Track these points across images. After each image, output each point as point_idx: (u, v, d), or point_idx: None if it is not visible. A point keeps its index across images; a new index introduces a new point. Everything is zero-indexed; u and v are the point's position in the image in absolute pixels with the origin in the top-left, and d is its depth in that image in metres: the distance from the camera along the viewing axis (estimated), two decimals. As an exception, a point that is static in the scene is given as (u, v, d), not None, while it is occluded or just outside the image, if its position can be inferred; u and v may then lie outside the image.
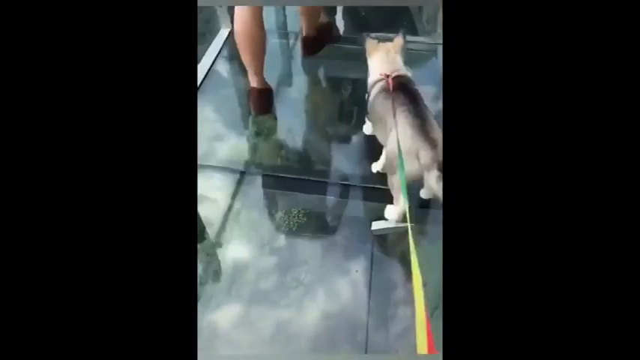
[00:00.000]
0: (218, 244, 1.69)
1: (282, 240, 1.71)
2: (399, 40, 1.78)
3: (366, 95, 1.76)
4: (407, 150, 1.48)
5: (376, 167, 1.88)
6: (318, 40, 2.43)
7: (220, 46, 2.54)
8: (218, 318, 1.49)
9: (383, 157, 1.78)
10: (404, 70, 1.71)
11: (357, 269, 1.62)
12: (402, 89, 1.61)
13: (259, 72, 2.07)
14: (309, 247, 1.68)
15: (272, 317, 1.49)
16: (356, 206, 1.83)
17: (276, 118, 2.17)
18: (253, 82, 2.11)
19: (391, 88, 1.61)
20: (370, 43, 1.77)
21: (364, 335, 1.46)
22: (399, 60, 1.75)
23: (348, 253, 1.66)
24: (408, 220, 1.21)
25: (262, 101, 2.14)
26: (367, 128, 1.98)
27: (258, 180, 1.92)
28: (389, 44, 1.77)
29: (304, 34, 2.41)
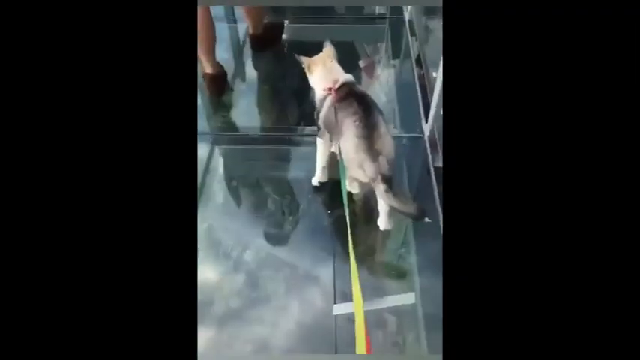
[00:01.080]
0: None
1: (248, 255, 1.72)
2: (329, 48, 1.77)
3: (315, 113, 1.75)
4: (350, 160, 1.52)
5: (315, 180, 1.87)
6: (264, 40, 2.44)
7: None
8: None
9: (318, 171, 1.82)
10: (346, 76, 1.71)
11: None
12: (353, 97, 1.61)
13: (211, 57, 2.16)
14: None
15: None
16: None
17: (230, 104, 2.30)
18: (207, 68, 2.19)
19: (336, 99, 1.62)
20: (306, 60, 1.76)
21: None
22: (337, 67, 1.74)
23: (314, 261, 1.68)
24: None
25: (217, 85, 2.24)
26: (320, 143, 1.83)
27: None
28: (323, 55, 1.77)
29: (250, 32, 2.43)
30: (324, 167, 1.82)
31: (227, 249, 1.72)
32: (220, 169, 2.03)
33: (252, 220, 1.84)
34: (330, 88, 1.67)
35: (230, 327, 1.52)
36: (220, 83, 2.25)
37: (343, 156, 1.57)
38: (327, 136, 1.73)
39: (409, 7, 2.44)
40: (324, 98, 1.69)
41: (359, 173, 1.56)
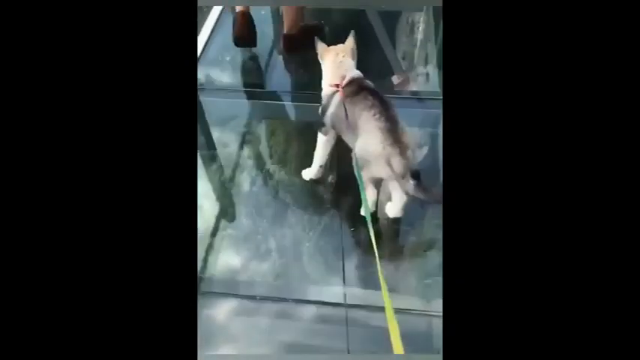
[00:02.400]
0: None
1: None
2: (349, 41, 1.70)
3: (320, 108, 1.69)
4: (377, 155, 1.45)
5: (308, 175, 1.81)
6: (298, 41, 2.36)
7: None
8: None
9: (314, 168, 1.77)
10: (355, 72, 1.65)
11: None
12: (366, 90, 1.55)
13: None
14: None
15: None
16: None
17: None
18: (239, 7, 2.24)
19: (346, 95, 1.56)
20: (321, 47, 1.71)
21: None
22: (349, 62, 1.67)
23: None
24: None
25: (245, 27, 2.26)
26: (321, 140, 1.76)
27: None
28: (339, 46, 1.70)
29: (284, 32, 2.36)
30: (321, 166, 1.77)
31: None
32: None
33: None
34: (337, 85, 1.61)
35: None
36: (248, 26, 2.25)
37: (363, 154, 1.49)
38: (333, 133, 1.68)
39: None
40: (332, 94, 1.64)
41: (384, 171, 1.48)
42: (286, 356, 1.44)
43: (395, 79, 2.33)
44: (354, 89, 1.57)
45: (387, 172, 1.47)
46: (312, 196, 1.82)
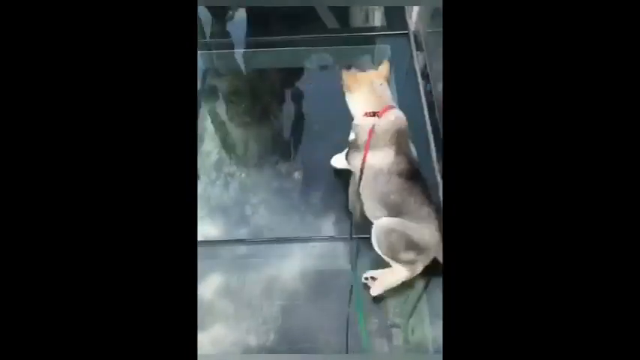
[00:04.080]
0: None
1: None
2: (385, 66, 1.50)
3: (351, 142, 1.52)
4: (436, 242, 1.41)
5: (339, 163, 1.68)
6: None
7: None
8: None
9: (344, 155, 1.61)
10: (393, 105, 1.48)
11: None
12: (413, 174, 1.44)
13: None
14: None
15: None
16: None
17: None
18: None
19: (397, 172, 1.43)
20: (348, 76, 1.48)
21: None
22: (388, 93, 1.48)
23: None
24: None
25: None
26: (339, 161, 1.69)
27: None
28: (372, 73, 1.49)
29: None
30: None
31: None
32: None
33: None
34: (374, 113, 1.44)
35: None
36: None
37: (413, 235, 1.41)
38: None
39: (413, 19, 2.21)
40: (367, 125, 1.45)
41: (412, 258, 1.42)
42: (286, 356, 1.42)
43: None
44: (401, 168, 1.42)
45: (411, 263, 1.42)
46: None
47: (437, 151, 1.76)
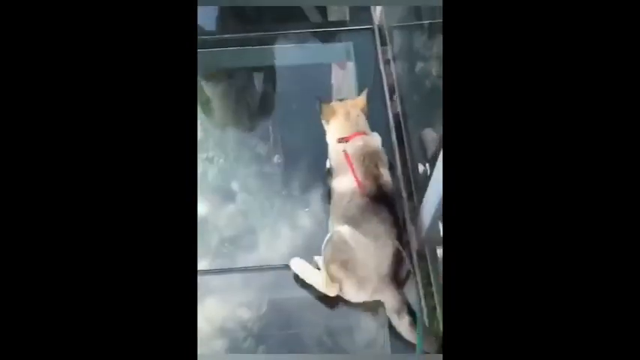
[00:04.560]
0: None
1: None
2: (362, 97, 1.63)
3: (327, 170, 1.63)
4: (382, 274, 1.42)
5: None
6: None
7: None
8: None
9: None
10: (368, 131, 1.59)
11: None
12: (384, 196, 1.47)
13: None
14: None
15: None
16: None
17: None
18: None
19: (365, 193, 1.47)
20: (326, 107, 1.61)
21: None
22: (362, 121, 1.60)
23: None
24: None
25: None
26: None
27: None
28: (348, 102, 1.63)
29: None
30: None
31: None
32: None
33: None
34: (344, 139, 1.54)
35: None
36: None
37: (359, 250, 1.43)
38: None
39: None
40: (340, 152, 1.53)
41: (391, 296, 1.41)
42: (286, 356, 1.47)
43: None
44: (372, 195, 1.46)
45: (387, 296, 1.40)
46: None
47: (396, 137, 1.87)
